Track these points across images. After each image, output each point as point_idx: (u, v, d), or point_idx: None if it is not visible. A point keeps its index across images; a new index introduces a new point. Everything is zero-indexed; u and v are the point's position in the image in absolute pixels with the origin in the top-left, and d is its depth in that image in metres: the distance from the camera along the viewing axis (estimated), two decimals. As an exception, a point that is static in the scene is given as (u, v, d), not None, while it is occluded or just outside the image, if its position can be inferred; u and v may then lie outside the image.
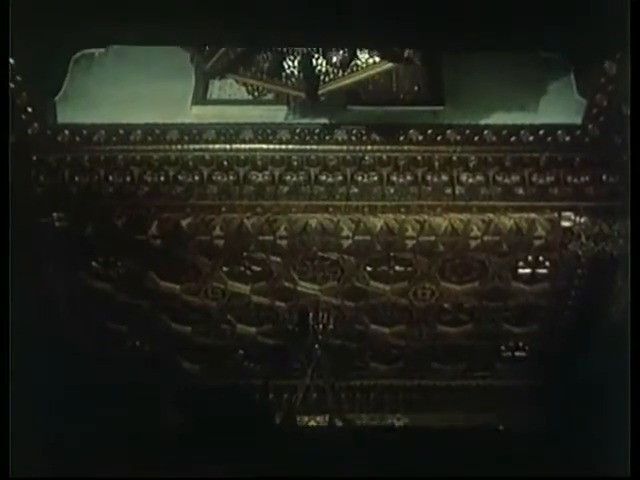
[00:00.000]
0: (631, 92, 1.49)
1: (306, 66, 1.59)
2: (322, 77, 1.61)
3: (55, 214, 1.78)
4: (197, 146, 1.77)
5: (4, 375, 1.49)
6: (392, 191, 1.76)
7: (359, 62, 1.59)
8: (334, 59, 1.58)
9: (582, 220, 1.77)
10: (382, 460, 2.01)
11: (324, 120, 1.79)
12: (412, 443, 2.13)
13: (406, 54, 1.55)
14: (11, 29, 1.47)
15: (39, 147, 1.77)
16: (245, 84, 1.67)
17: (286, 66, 1.61)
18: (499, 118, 1.79)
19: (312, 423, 2.17)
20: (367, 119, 1.80)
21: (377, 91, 1.82)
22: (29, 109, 1.72)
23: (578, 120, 1.76)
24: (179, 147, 1.77)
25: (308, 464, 1.96)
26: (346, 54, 1.57)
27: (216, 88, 1.87)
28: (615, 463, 1.68)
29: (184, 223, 1.78)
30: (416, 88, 1.87)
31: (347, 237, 1.79)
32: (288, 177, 1.76)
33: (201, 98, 1.87)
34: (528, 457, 2.05)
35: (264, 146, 1.77)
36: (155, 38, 1.60)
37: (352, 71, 1.60)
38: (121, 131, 1.78)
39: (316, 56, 1.58)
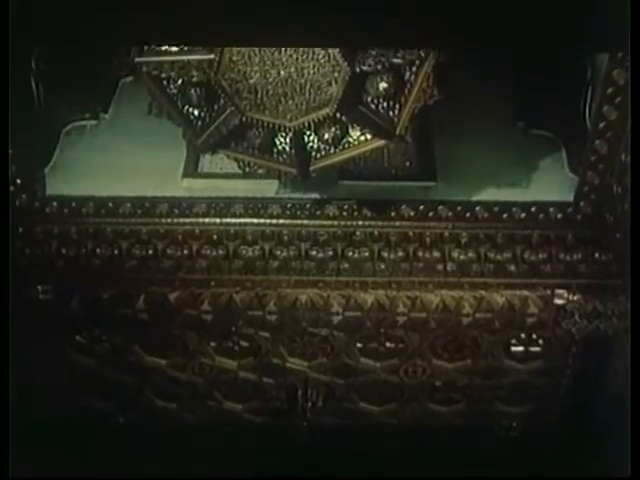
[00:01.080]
0: (631, 100, 1.46)
1: (298, 143, 1.59)
2: (313, 154, 1.61)
3: (40, 287, 1.75)
4: (187, 220, 1.76)
5: (4, 375, 1.44)
6: (383, 267, 1.75)
7: (351, 139, 1.60)
8: (325, 136, 1.58)
9: (575, 298, 1.75)
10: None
11: (315, 195, 1.79)
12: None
13: (398, 131, 1.56)
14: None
15: (26, 219, 1.75)
16: (236, 159, 1.66)
17: (277, 142, 1.61)
18: (491, 194, 1.79)
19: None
20: (358, 194, 1.79)
21: (368, 166, 1.82)
22: (18, 181, 1.71)
23: (570, 197, 1.75)
24: (169, 220, 1.76)
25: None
26: (338, 131, 1.57)
27: (207, 161, 1.88)
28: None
29: (172, 297, 1.76)
30: (408, 164, 1.88)
31: (337, 313, 1.76)
32: (278, 252, 1.75)
33: (192, 171, 1.87)
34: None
35: (254, 220, 1.76)
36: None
37: (344, 148, 1.60)
38: (110, 204, 1.77)
39: (308, 133, 1.58)
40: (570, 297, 1.75)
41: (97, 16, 1.37)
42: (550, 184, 1.82)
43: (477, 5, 1.36)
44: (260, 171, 1.77)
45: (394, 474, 2.05)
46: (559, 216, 1.76)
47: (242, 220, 1.76)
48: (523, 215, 1.76)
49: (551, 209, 1.76)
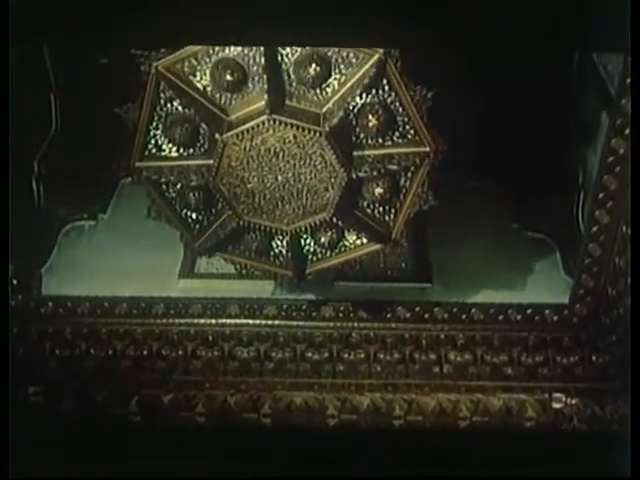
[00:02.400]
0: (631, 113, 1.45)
1: (294, 246, 1.60)
2: (310, 257, 1.62)
3: (31, 388, 1.72)
4: (182, 320, 1.76)
5: (4, 374, 1.40)
6: (379, 369, 1.74)
7: (347, 243, 1.61)
8: (322, 240, 1.59)
9: (573, 402, 1.73)
10: None
11: (311, 296, 1.79)
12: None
13: (393, 236, 1.57)
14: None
15: (21, 319, 1.74)
16: (233, 262, 1.67)
17: (274, 245, 1.63)
18: (487, 296, 1.80)
19: None
20: (354, 295, 1.80)
21: (364, 267, 1.83)
22: (14, 281, 1.72)
23: (565, 300, 1.76)
24: (164, 321, 1.76)
25: None
26: (334, 235, 1.59)
27: (204, 261, 1.89)
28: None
29: (166, 399, 1.73)
30: (403, 265, 1.89)
31: (333, 416, 1.74)
32: (274, 353, 1.74)
33: (188, 271, 1.88)
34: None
35: (250, 321, 1.76)
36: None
37: (340, 251, 1.62)
38: (106, 304, 1.77)
39: (304, 236, 1.60)
40: (568, 401, 1.73)
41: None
42: (545, 286, 1.83)
43: (477, 4, 1.36)
44: (256, 272, 1.78)
45: None
46: (555, 318, 1.76)
47: (238, 321, 1.76)
48: (519, 317, 1.76)
49: (547, 311, 1.77)
